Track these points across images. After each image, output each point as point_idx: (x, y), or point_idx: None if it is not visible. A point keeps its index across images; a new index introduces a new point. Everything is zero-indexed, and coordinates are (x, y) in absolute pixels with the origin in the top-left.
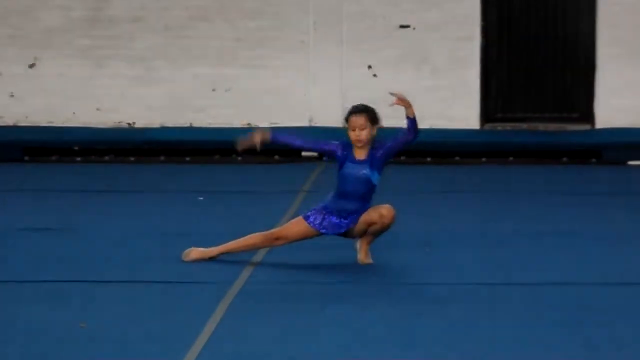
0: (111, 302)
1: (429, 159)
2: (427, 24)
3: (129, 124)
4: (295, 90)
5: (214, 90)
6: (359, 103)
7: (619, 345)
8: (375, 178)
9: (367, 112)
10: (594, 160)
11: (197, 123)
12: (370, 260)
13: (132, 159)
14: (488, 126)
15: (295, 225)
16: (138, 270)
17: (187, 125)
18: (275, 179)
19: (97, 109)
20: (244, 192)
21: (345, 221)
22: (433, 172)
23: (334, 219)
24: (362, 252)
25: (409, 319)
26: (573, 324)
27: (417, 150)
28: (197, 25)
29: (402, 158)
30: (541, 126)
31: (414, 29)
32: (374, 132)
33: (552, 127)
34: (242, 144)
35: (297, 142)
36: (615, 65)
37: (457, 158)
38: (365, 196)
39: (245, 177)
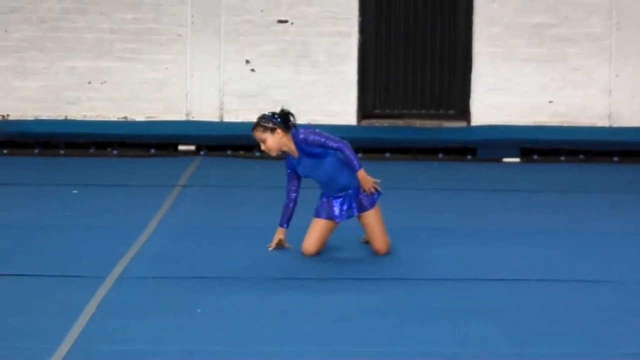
0: None
1: None
2: (306, 19)
3: (2, 116)
4: (173, 83)
5: (89, 82)
6: (261, 115)
7: (483, 338)
8: (322, 153)
9: (261, 125)
10: (469, 157)
11: (72, 115)
12: None
13: (5, 151)
14: (365, 122)
15: (313, 227)
16: (8, 263)
17: (62, 117)
18: (151, 173)
19: None
20: (118, 186)
21: (346, 203)
22: None
23: (338, 203)
24: None
25: (283, 315)
26: (453, 317)
27: None
28: (73, 17)
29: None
30: (418, 123)
31: (292, 23)
32: (280, 134)
33: (429, 123)
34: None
35: (292, 197)
36: (490, 63)
37: None
38: (336, 173)
39: (120, 171)
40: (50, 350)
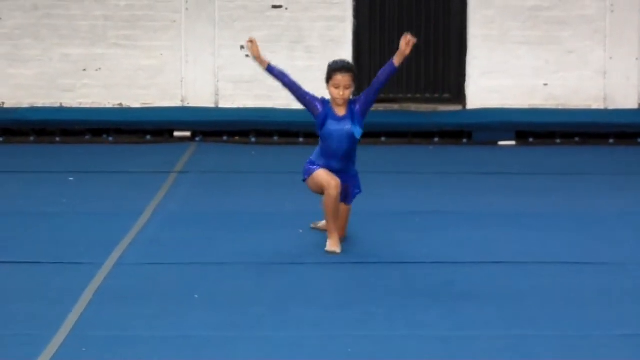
0: None
1: (301, 140)
2: (300, 4)
3: None
4: (168, 70)
5: (84, 70)
6: (339, 59)
7: (484, 322)
8: (358, 132)
9: (353, 72)
10: (465, 140)
11: (67, 103)
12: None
13: (0, 139)
14: None
15: (320, 177)
16: (5, 250)
17: (57, 105)
18: (147, 160)
19: None
20: (114, 173)
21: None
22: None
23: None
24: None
25: (280, 300)
26: (449, 300)
27: (290, 131)
28: (66, 4)
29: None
30: (413, 107)
31: (286, 9)
32: (353, 89)
33: (424, 107)
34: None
35: (287, 79)
36: (485, 46)
37: None
38: (350, 153)
39: (116, 158)
40: (48, 337)
